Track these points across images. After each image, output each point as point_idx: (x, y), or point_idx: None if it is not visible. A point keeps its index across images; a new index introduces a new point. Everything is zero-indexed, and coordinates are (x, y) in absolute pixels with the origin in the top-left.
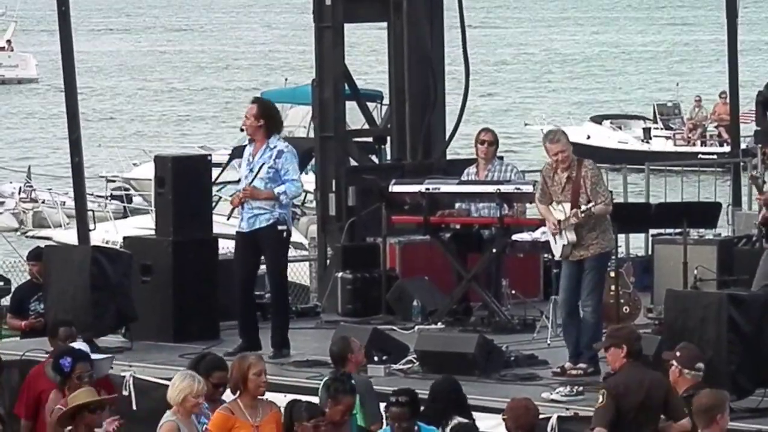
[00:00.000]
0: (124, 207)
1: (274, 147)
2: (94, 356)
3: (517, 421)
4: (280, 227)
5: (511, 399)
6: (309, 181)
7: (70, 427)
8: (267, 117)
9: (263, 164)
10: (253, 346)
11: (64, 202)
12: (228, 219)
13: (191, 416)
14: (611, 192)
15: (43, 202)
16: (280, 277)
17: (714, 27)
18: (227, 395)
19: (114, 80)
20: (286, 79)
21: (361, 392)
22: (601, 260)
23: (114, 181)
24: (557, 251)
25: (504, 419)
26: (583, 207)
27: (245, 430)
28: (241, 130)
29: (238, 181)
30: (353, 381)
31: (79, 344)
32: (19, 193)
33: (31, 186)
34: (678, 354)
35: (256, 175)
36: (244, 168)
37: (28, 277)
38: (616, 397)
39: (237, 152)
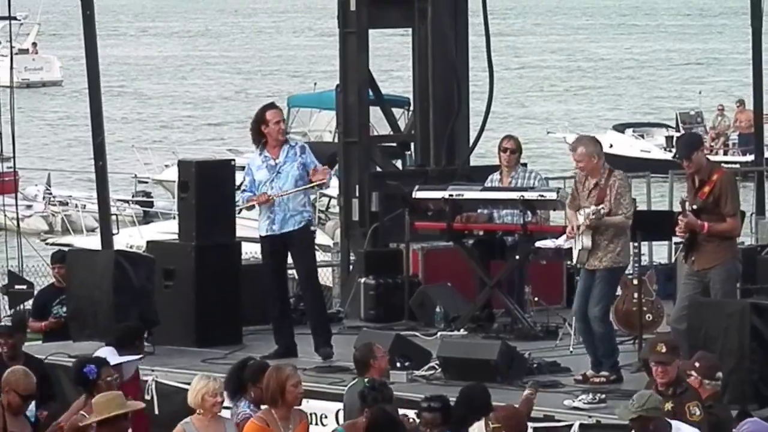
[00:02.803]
0: (144, 212)
1: (295, 144)
2: (124, 359)
3: (516, 428)
4: (312, 228)
5: (497, 409)
6: (333, 186)
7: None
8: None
9: (293, 162)
10: (290, 352)
11: (85, 206)
12: (239, 213)
13: (217, 417)
14: (635, 200)
15: (65, 205)
16: (315, 278)
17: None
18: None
19: (146, 84)
20: (315, 84)
21: None
22: (611, 273)
23: (146, 183)
24: (574, 257)
25: (495, 427)
26: (593, 208)
27: None
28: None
29: (239, 187)
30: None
31: (108, 350)
32: (44, 197)
33: (51, 193)
34: (697, 365)
35: (285, 174)
36: (266, 173)
37: (51, 281)
38: None
39: None
